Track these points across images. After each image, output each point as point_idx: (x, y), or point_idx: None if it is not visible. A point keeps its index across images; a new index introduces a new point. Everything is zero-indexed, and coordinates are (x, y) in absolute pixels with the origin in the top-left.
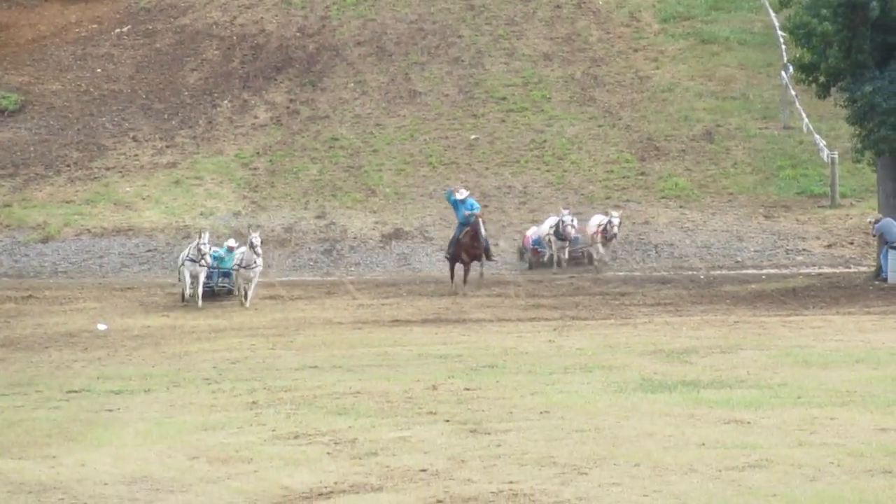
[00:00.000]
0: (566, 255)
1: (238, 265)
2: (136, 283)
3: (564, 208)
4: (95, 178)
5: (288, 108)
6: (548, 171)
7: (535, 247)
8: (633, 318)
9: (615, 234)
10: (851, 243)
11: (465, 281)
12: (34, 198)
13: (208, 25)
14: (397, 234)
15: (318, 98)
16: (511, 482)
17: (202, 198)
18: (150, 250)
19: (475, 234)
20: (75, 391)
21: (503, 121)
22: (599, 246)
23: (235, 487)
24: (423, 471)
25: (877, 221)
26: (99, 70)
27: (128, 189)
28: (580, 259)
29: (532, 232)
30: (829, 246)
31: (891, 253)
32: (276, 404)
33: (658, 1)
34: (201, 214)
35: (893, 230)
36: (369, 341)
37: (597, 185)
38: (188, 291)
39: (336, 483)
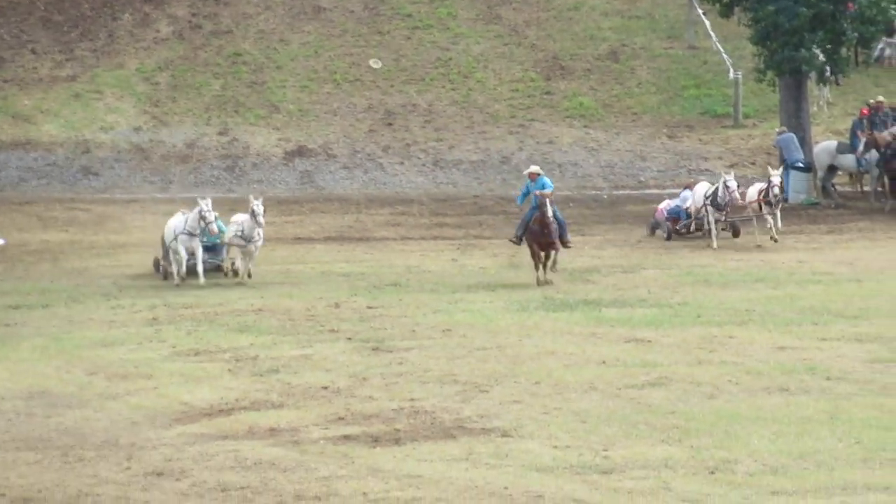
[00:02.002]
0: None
1: (240, 237)
2: (34, 198)
3: (727, 172)
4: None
5: (190, 22)
6: (453, 89)
7: (674, 216)
8: None
9: (778, 197)
10: (753, 163)
11: (544, 269)
12: None
13: None
14: (300, 152)
15: (221, 12)
16: (412, 399)
17: (102, 112)
18: (48, 164)
19: (544, 219)
20: None
21: (408, 38)
22: (768, 217)
23: (134, 403)
24: (325, 388)
25: (780, 136)
26: None
27: (26, 102)
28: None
29: (665, 204)
30: (732, 166)
31: (791, 173)
32: (176, 321)
33: None
34: (101, 129)
35: (791, 147)
36: (271, 259)
37: (502, 104)
38: (183, 269)
39: (237, 400)
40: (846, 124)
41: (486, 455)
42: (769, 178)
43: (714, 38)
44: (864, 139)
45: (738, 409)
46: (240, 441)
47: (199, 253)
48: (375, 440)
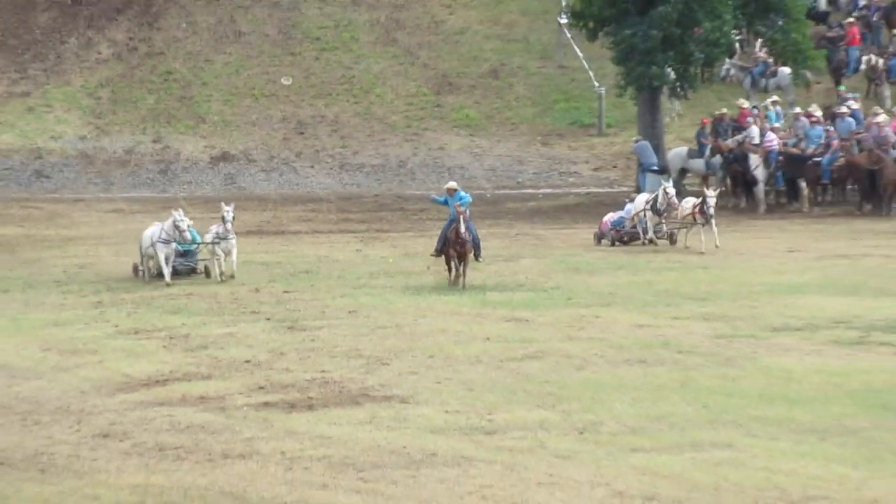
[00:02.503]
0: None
1: (216, 239)
2: None
3: (665, 180)
4: None
5: (127, 44)
6: (356, 102)
7: (617, 227)
8: (429, 231)
9: (712, 211)
10: (615, 167)
11: (460, 275)
12: None
13: None
14: (224, 157)
15: (155, 36)
16: (323, 371)
17: (52, 123)
18: (5, 169)
19: (458, 230)
20: None
21: (317, 58)
22: (703, 228)
23: (83, 375)
24: (247, 361)
25: (637, 143)
26: None
27: None
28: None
29: (609, 217)
30: (596, 169)
31: (647, 175)
32: (118, 304)
33: None
34: (51, 138)
35: (647, 153)
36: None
37: (398, 115)
38: (166, 272)
39: (171, 372)
40: (694, 133)
41: (387, 419)
42: (705, 195)
43: (581, 58)
44: (709, 146)
45: (603, 378)
46: (174, 407)
47: (171, 258)
48: (291, 406)
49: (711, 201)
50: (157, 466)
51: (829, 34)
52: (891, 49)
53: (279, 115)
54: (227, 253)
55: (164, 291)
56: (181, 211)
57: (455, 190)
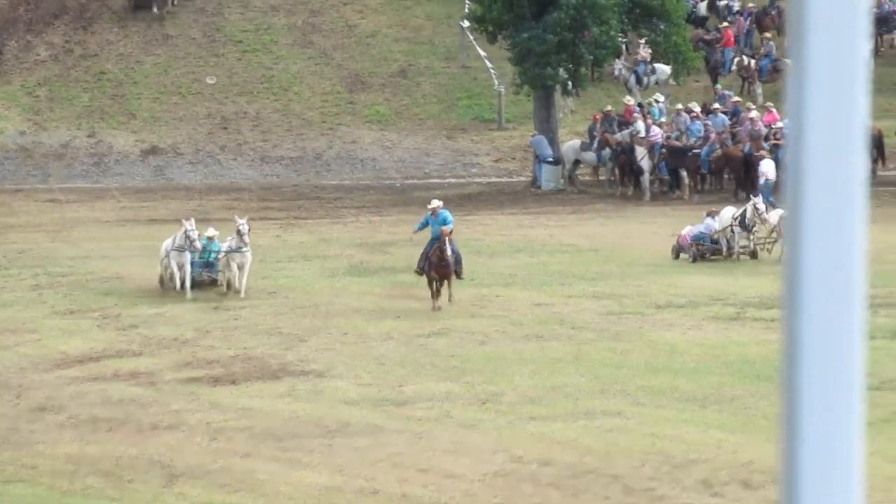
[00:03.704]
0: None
1: (228, 251)
2: None
3: (755, 196)
4: None
5: (63, 47)
6: (276, 100)
7: (698, 242)
8: (344, 218)
9: (762, 221)
10: (514, 159)
11: (437, 295)
12: None
13: None
14: (154, 151)
15: (89, 39)
16: (245, 348)
17: None
18: None
19: (442, 251)
20: None
21: (239, 59)
22: (742, 238)
23: (23, 353)
24: (175, 339)
25: (533, 137)
26: None
27: None
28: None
29: (687, 230)
30: (497, 161)
31: (543, 166)
32: (54, 286)
33: None
34: None
35: (543, 146)
36: (131, 236)
37: (315, 111)
38: (177, 283)
39: (104, 349)
40: (586, 127)
41: (304, 392)
42: (754, 203)
43: (482, 58)
44: (599, 139)
45: (504, 352)
46: (107, 382)
47: (188, 267)
48: (216, 380)
49: (761, 209)
50: (90, 437)
51: (707, 37)
52: (762, 51)
53: (204, 112)
54: (241, 266)
55: (97, 275)
56: (192, 221)
57: (439, 209)
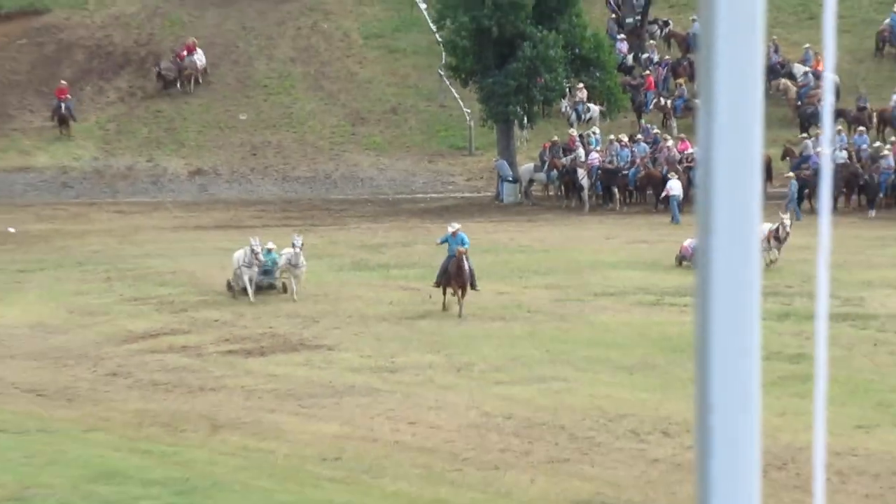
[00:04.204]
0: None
1: (288, 263)
2: (32, 203)
3: (783, 213)
4: (7, 136)
5: (128, 91)
6: (294, 132)
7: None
8: (348, 225)
9: (788, 235)
10: (482, 178)
11: (459, 306)
12: None
13: (77, 38)
14: (199, 172)
15: (147, 85)
16: (271, 327)
17: (73, 148)
18: (41, 181)
19: (460, 266)
20: None
21: (265, 100)
22: (774, 250)
23: (98, 331)
24: (216, 320)
25: (497, 161)
26: (7, 67)
27: (27, 142)
28: None
29: (688, 242)
30: (468, 180)
31: (504, 184)
32: (122, 279)
33: (361, 24)
34: (73, 159)
35: (504, 168)
36: (181, 239)
37: (325, 141)
38: (250, 291)
39: (161, 328)
40: (538, 153)
41: (318, 361)
42: (782, 220)
43: (457, 98)
44: (547, 163)
45: (474, 331)
46: (164, 354)
47: (254, 279)
48: (249, 353)
49: (787, 223)
50: (151, 397)
51: (633, 82)
52: (676, 93)
53: (238, 141)
54: (297, 277)
55: (154, 270)
56: (257, 239)
57: (457, 231)
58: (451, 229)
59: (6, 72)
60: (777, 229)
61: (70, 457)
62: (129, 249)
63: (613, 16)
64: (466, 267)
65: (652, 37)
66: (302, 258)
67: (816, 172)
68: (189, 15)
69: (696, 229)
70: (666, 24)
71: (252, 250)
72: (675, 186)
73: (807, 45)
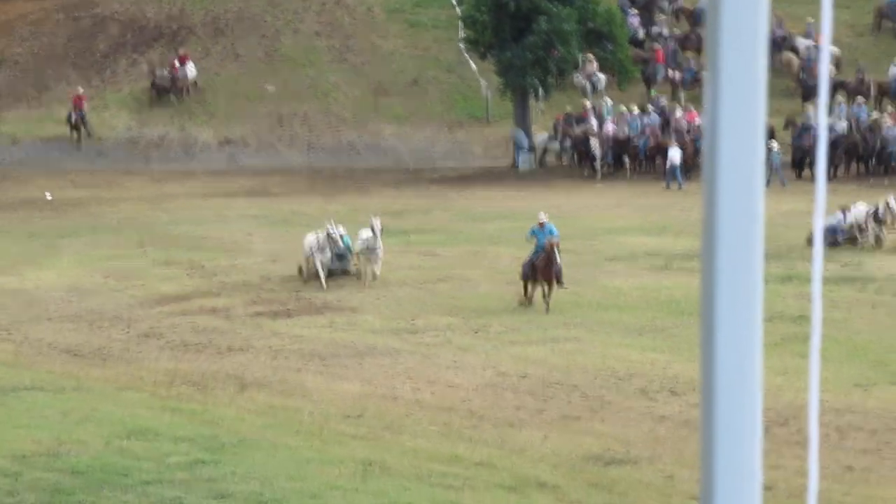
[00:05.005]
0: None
1: (364, 247)
2: (70, 170)
3: (888, 198)
4: (45, 105)
5: (160, 63)
6: (319, 103)
7: (830, 234)
8: (370, 192)
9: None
10: (499, 147)
11: (545, 299)
12: (6, 117)
13: (112, 13)
14: (228, 142)
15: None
16: (297, 290)
17: (109, 118)
18: (78, 150)
19: (549, 259)
20: (35, 234)
21: (292, 72)
22: (871, 230)
23: (131, 294)
24: (245, 284)
25: (514, 130)
26: (45, 41)
27: (64, 112)
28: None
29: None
30: (486, 149)
31: (520, 153)
32: (154, 244)
33: (384, 0)
34: (109, 128)
35: (520, 137)
36: (211, 206)
37: (348, 112)
38: (322, 276)
39: (192, 291)
40: (552, 123)
41: (341, 323)
42: (887, 200)
43: (475, 71)
44: (561, 132)
45: (491, 294)
46: (194, 316)
47: (326, 264)
48: (275, 315)
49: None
50: (182, 357)
51: (644, 55)
52: (684, 66)
53: (265, 112)
54: (374, 262)
55: (186, 235)
56: (333, 222)
57: (544, 223)
58: (540, 219)
59: (44, 45)
60: (876, 210)
61: (103, 414)
62: (160, 216)
63: None
64: (557, 261)
65: (662, 11)
66: (380, 241)
67: (816, 140)
68: None
69: (703, 196)
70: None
71: (329, 235)
72: (675, 155)
73: (809, 20)
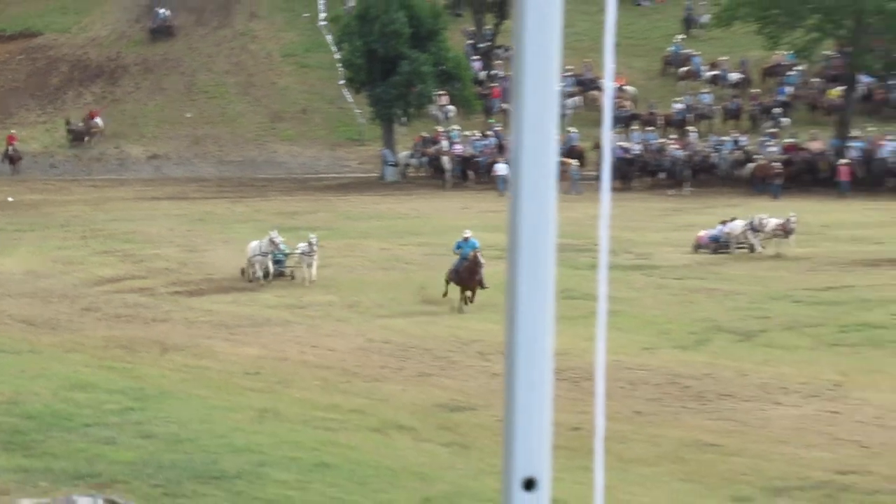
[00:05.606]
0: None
1: (303, 253)
2: (28, 179)
3: (759, 214)
4: (7, 128)
5: (101, 94)
6: (227, 127)
7: (716, 241)
8: (269, 198)
9: (793, 229)
10: (370, 163)
11: (467, 301)
12: None
13: (63, 55)
14: (155, 156)
15: (116, 90)
16: (209, 274)
17: (57, 138)
18: (34, 162)
19: (473, 269)
20: None
21: (206, 102)
22: (785, 240)
23: (75, 276)
24: (166, 268)
25: (382, 150)
26: (9, 77)
27: (23, 133)
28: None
29: (704, 233)
30: (360, 163)
31: (387, 167)
32: (94, 237)
33: (280, 46)
34: (58, 146)
35: (387, 155)
36: (141, 208)
37: (251, 134)
38: (260, 276)
39: (124, 274)
40: (412, 144)
41: (244, 300)
42: (788, 217)
43: (351, 102)
44: (420, 151)
45: (363, 277)
46: (126, 294)
47: (269, 266)
48: (191, 293)
49: (794, 219)
50: (116, 326)
51: (484, 92)
52: None
53: (184, 134)
54: (310, 265)
55: (120, 230)
56: (276, 231)
57: (468, 237)
58: (464, 235)
59: (8, 80)
60: (784, 223)
61: (52, 371)
62: (100, 215)
63: (470, 41)
64: (480, 270)
65: (498, 58)
66: (315, 251)
67: (618, 160)
68: (147, 37)
69: (508, 198)
70: (508, 49)
71: (272, 241)
72: (501, 168)
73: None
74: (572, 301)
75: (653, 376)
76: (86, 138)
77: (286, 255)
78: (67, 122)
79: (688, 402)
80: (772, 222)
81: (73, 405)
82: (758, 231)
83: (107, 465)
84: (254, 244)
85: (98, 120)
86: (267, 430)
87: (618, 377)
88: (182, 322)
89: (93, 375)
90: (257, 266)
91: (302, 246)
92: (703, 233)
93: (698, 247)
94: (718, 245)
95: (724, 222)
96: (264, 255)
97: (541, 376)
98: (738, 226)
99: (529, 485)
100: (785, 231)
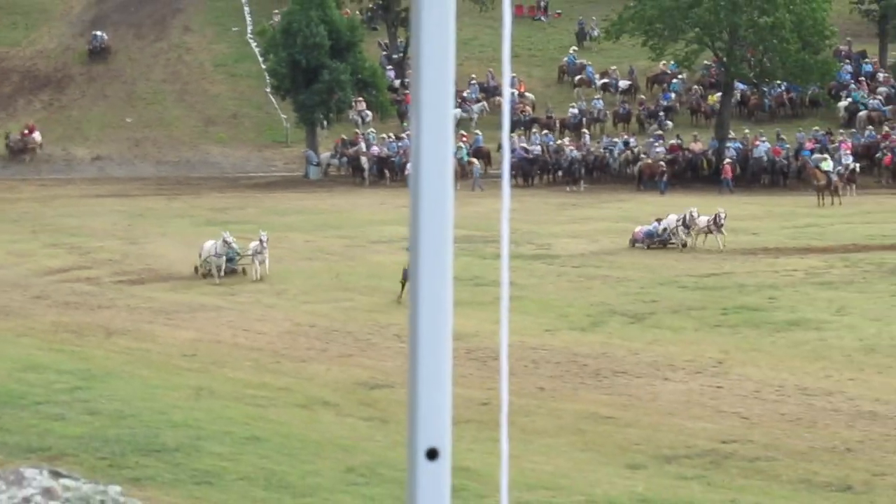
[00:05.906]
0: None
1: (253, 254)
2: None
3: (690, 209)
4: None
5: (49, 101)
6: (165, 131)
7: (650, 236)
8: (202, 195)
9: (723, 224)
10: (295, 163)
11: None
12: None
13: (13, 66)
14: (99, 158)
15: (62, 97)
16: (149, 264)
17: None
18: None
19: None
20: None
21: (145, 108)
22: (717, 234)
23: (26, 267)
24: (111, 260)
25: (306, 151)
26: None
27: None
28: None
29: (639, 229)
30: (286, 163)
31: (310, 167)
32: (44, 231)
33: (212, 57)
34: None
35: (311, 156)
36: (87, 204)
37: (187, 136)
38: (215, 275)
39: (72, 265)
40: (333, 145)
41: (180, 288)
42: (717, 212)
43: (278, 108)
44: (340, 152)
45: (289, 267)
46: (73, 283)
47: (222, 265)
48: (133, 282)
49: (722, 216)
50: (64, 312)
51: (398, 98)
52: None
53: (126, 137)
54: (262, 262)
55: (69, 226)
56: (228, 233)
57: None
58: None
59: None
60: (715, 218)
61: (5, 354)
62: (48, 212)
63: (384, 53)
64: None
65: (410, 67)
66: (266, 249)
67: (520, 159)
68: (90, 49)
69: (409, 194)
70: None
71: (225, 241)
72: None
73: (513, 75)
74: (480, 288)
75: (553, 355)
76: (24, 156)
77: (239, 254)
78: (7, 138)
79: (586, 378)
80: (703, 219)
81: (24, 385)
82: (689, 227)
83: (56, 440)
84: (208, 244)
85: (36, 135)
86: (203, 407)
87: (522, 356)
88: (125, 308)
89: (43, 357)
90: (213, 265)
91: (254, 245)
92: (638, 229)
93: (634, 241)
94: (652, 241)
95: (658, 220)
96: (218, 256)
97: (441, 353)
98: (672, 220)
99: (432, 454)
100: (716, 225)
